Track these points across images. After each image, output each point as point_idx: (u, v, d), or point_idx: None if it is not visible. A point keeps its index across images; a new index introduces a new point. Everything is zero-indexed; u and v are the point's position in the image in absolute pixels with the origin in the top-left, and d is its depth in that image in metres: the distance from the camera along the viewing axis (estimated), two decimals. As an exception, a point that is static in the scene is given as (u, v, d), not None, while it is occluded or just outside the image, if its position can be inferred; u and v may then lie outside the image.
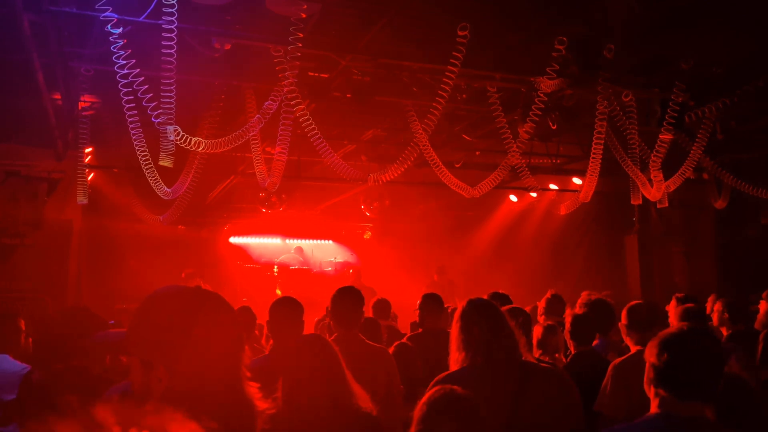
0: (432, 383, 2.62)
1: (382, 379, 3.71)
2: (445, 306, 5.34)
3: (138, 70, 5.08)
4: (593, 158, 7.45)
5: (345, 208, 13.31)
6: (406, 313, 7.37)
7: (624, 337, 4.00)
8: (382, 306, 6.21)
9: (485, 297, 3.21)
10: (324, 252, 14.42)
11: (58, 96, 6.95)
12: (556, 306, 5.59)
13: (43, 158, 8.67)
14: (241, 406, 1.54)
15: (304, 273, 13.25)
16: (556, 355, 4.43)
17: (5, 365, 3.91)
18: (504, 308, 3.27)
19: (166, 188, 7.11)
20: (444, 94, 6.15)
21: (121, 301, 9.62)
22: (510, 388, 2.73)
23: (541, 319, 5.31)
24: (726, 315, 5.28)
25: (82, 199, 7.46)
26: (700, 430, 2.15)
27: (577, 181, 10.21)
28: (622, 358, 3.74)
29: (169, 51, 5.03)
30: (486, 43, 6.17)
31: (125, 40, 4.99)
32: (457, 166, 9.27)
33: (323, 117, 7.03)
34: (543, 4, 5.80)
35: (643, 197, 8.44)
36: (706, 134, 7.78)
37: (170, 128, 5.46)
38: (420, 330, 5.17)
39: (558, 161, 10.06)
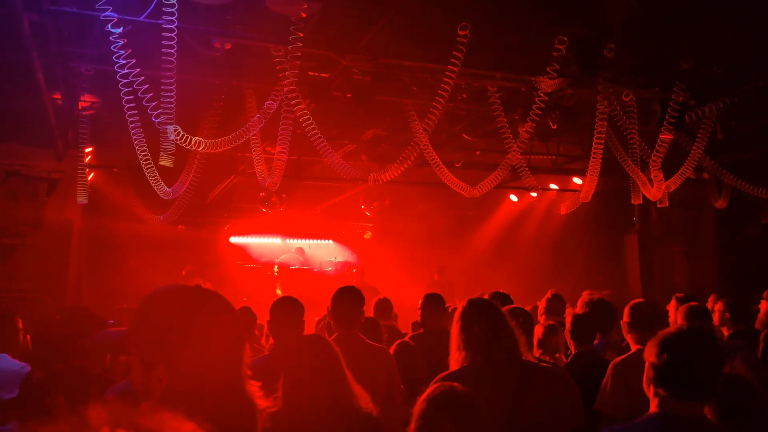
0: (432, 382, 2.62)
1: (382, 379, 3.70)
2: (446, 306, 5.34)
3: (138, 69, 5.08)
4: (593, 158, 7.45)
5: (345, 207, 13.30)
6: (407, 313, 7.37)
7: (625, 335, 3.99)
8: (384, 306, 6.20)
9: (486, 296, 3.21)
10: (324, 252, 14.42)
11: (58, 96, 6.95)
12: (556, 306, 5.58)
13: (43, 158, 8.68)
14: (241, 406, 1.54)
15: (305, 273, 13.25)
16: (557, 354, 4.42)
17: (4, 364, 3.92)
18: (505, 308, 3.27)
19: (166, 188, 7.10)
20: (444, 94, 6.15)
21: (121, 301, 9.62)
22: (510, 387, 2.73)
23: (541, 318, 5.30)
24: (727, 315, 5.28)
25: (82, 199, 7.45)
26: (699, 430, 2.15)
27: (577, 180, 10.21)
28: (623, 356, 3.74)
29: (169, 51, 5.02)
30: (486, 43, 6.17)
31: (125, 40, 4.98)
32: (457, 165, 9.26)
33: (323, 117, 7.02)
34: (543, 4, 5.80)
35: (644, 197, 8.43)
36: (707, 134, 7.77)
37: (170, 128, 5.46)
38: (422, 330, 5.17)
39: (558, 161, 10.05)
